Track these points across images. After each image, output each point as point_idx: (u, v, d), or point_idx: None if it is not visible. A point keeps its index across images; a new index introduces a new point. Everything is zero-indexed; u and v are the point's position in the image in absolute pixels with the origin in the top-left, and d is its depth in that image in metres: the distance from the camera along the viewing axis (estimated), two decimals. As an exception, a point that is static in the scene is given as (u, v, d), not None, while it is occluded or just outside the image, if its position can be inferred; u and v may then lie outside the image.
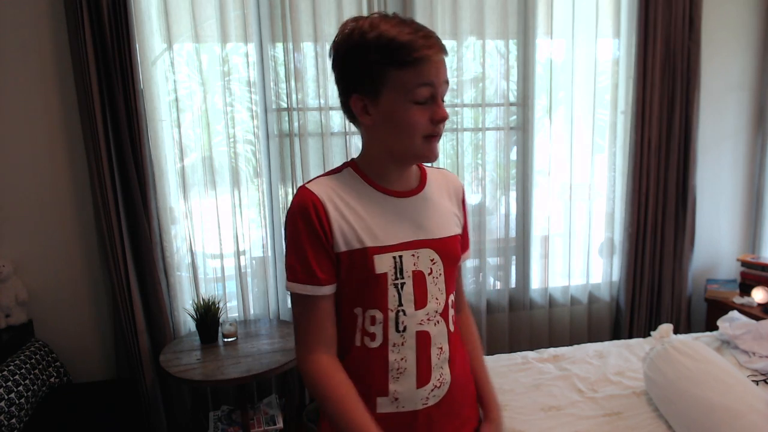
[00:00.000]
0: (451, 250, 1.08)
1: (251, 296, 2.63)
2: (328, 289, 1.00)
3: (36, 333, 2.38)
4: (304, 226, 0.98)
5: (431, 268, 1.04)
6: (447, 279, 1.07)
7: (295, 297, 1.01)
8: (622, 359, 2.33)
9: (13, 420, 1.91)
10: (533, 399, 2.05)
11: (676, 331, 2.34)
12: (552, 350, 2.45)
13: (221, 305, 2.40)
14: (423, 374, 1.03)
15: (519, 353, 2.44)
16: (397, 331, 1.01)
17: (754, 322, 2.38)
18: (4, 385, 1.93)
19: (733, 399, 1.70)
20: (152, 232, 2.36)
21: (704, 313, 3.10)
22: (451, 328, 1.09)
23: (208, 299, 2.35)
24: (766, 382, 2.07)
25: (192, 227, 2.48)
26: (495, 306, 2.87)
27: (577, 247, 2.94)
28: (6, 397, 1.91)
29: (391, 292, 1.01)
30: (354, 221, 0.99)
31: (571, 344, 2.68)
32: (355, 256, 0.99)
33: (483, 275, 2.83)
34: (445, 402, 1.06)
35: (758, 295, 2.83)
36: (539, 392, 2.10)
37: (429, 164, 1.16)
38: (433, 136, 1.00)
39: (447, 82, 0.99)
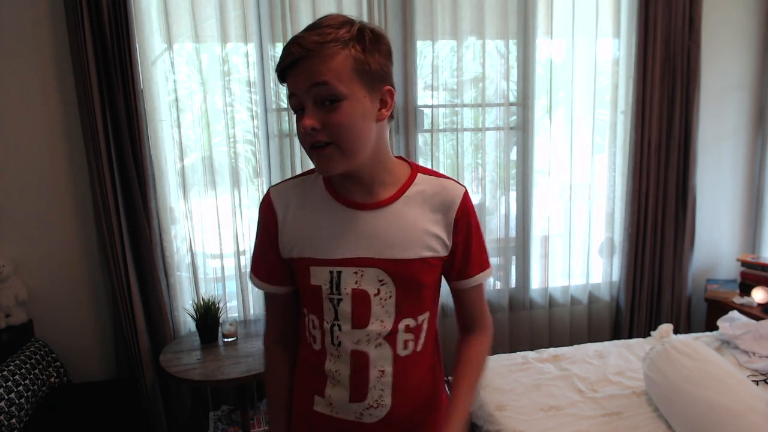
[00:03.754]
0: (407, 273, 0.97)
1: (251, 296, 2.63)
2: (274, 289, 1.07)
3: (36, 333, 2.38)
4: (260, 228, 1.05)
5: (379, 289, 0.96)
6: (401, 302, 0.97)
7: (265, 298, 1.12)
8: (622, 359, 2.33)
9: (13, 420, 1.91)
10: (533, 399, 2.05)
11: (676, 331, 2.34)
12: (552, 350, 2.45)
13: (221, 305, 2.40)
14: (357, 391, 1.00)
15: (519, 353, 2.44)
16: (333, 344, 1.00)
17: (754, 322, 2.38)
18: (4, 385, 1.93)
19: (733, 399, 1.70)
20: (152, 232, 2.35)
21: (704, 313, 3.10)
22: (402, 352, 1.00)
23: (208, 299, 2.35)
24: (766, 382, 2.07)
25: (192, 227, 2.48)
26: (495, 306, 2.87)
27: (577, 247, 2.94)
28: (6, 397, 1.91)
29: (327, 305, 0.98)
30: (300, 230, 1.00)
31: (571, 344, 2.68)
32: (295, 264, 1.02)
33: (483, 275, 2.82)
34: (384, 424, 1.01)
35: (758, 295, 2.83)
36: (539, 392, 2.10)
37: (428, 170, 1.05)
38: (314, 148, 0.90)
39: (319, 84, 0.86)
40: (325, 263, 0.97)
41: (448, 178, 1.04)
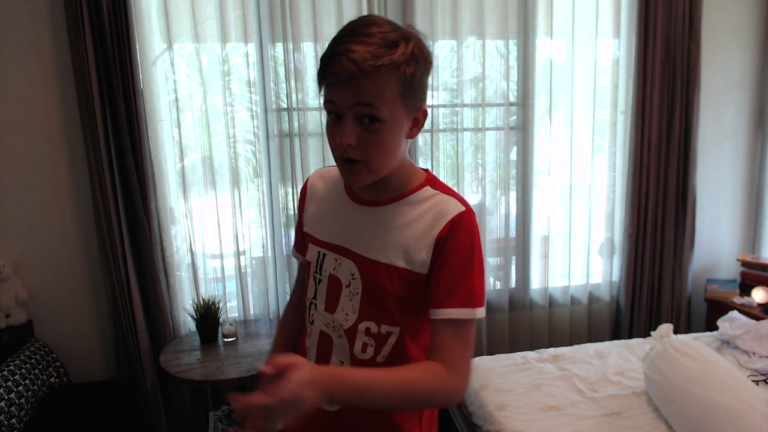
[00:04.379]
0: (374, 275, 0.96)
1: (251, 296, 2.63)
2: (301, 258, 1.15)
3: (36, 333, 2.38)
4: (300, 203, 1.17)
5: (350, 282, 0.99)
6: (365, 302, 0.97)
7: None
8: (622, 359, 2.33)
9: (13, 420, 1.91)
10: (533, 399, 2.05)
11: (676, 331, 2.34)
12: (552, 350, 2.45)
13: (221, 305, 2.39)
14: None
15: (519, 353, 2.44)
16: (309, 321, 1.07)
17: (754, 322, 2.38)
18: (4, 385, 1.93)
19: (733, 399, 1.70)
20: (152, 232, 2.35)
21: (704, 313, 3.10)
22: (359, 354, 0.98)
23: (208, 299, 2.35)
24: (766, 382, 2.07)
25: (192, 227, 2.48)
26: (495, 306, 2.87)
27: (577, 247, 2.94)
28: (6, 397, 1.91)
29: (311, 282, 1.06)
30: (316, 211, 1.10)
31: (571, 344, 2.68)
32: (305, 237, 1.11)
33: (483, 275, 2.82)
34: (339, 416, 1.00)
35: (758, 295, 2.83)
36: (539, 392, 2.10)
37: (443, 185, 1.01)
38: (344, 161, 0.90)
39: (365, 104, 0.85)
40: (317, 243, 1.06)
41: (455, 196, 0.97)
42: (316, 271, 1.05)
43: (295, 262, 2.58)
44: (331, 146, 0.94)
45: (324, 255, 1.03)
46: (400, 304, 0.97)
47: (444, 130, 2.69)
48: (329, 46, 0.88)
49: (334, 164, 1.00)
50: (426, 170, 1.03)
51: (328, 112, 0.92)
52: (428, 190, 0.98)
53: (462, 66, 2.63)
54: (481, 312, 0.93)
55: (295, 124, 2.48)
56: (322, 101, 0.93)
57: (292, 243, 1.23)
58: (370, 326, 0.98)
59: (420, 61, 0.88)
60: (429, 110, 2.74)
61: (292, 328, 1.22)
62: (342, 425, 1.03)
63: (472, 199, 2.79)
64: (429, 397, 0.90)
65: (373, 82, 0.84)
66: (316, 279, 1.04)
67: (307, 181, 1.15)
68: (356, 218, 1.01)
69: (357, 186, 0.99)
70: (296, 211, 1.20)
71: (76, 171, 2.38)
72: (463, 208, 0.94)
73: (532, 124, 2.75)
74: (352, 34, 0.86)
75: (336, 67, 0.85)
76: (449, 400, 0.93)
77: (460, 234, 0.92)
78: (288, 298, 1.26)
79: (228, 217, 2.52)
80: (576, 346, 2.49)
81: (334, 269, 1.01)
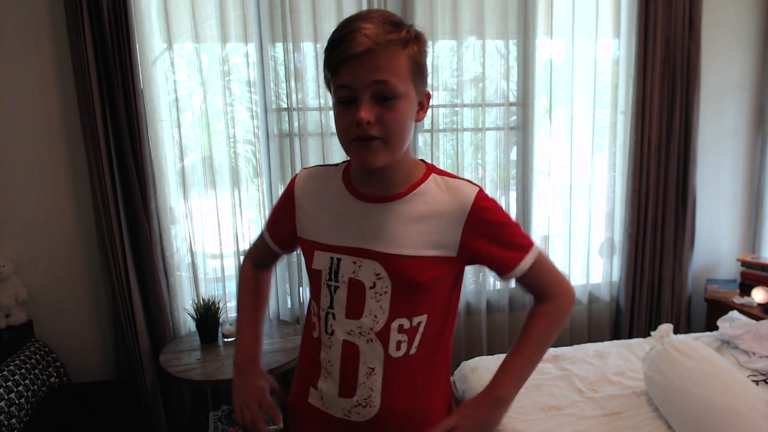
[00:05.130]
0: (403, 270, 0.96)
1: (251, 296, 2.62)
2: (273, 246, 1.18)
3: (36, 333, 2.38)
4: (280, 203, 1.13)
5: (375, 282, 0.96)
6: (396, 299, 0.96)
7: (260, 233, 1.21)
8: (622, 359, 2.33)
9: (13, 420, 1.91)
10: (533, 399, 2.05)
11: (676, 331, 2.34)
12: (552, 350, 2.45)
13: (221, 305, 2.40)
14: (347, 386, 0.99)
15: (519, 353, 2.44)
16: (326, 332, 1.01)
17: (754, 322, 2.38)
18: (4, 385, 1.93)
19: (733, 399, 1.70)
20: (152, 232, 2.35)
21: (704, 313, 3.10)
22: (394, 353, 0.98)
23: (208, 299, 2.35)
24: (766, 382, 2.07)
25: (192, 227, 2.48)
26: (495, 306, 2.87)
27: (577, 247, 2.94)
28: (6, 397, 1.91)
29: (324, 291, 1.01)
30: (314, 214, 1.06)
31: (571, 344, 2.68)
32: (303, 245, 1.08)
33: (483, 275, 2.83)
34: (372, 425, 0.99)
35: (758, 295, 2.83)
36: (539, 392, 2.10)
37: (444, 171, 1.04)
38: (362, 140, 0.89)
39: (380, 82, 0.87)
40: (328, 249, 1.00)
41: (462, 179, 1.02)
42: (330, 279, 0.99)
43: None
44: (343, 131, 0.92)
45: (339, 260, 0.98)
46: (429, 291, 0.99)
47: (444, 130, 2.69)
48: (335, 32, 0.90)
49: (320, 164, 1.09)
50: (422, 160, 1.05)
51: (339, 101, 0.91)
52: (435, 178, 1.01)
53: (462, 66, 2.63)
54: (537, 247, 1.02)
55: (295, 124, 2.48)
56: (332, 91, 0.92)
57: (267, 224, 1.20)
58: (402, 323, 0.97)
59: (422, 42, 0.93)
60: (429, 110, 2.75)
61: (258, 291, 1.23)
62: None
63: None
64: (555, 330, 1.07)
65: (387, 58, 0.87)
66: (331, 287, 0.99)
67: (293, 182, 1.10)
68: (370, 217, 0.98)
69: (374, 167, 0.93)
70: (280, 207, 1.14)
71: (76, 171, 2.38)
72: (475, 188, 1.00)
73: (532, 124, 2.75)
74: (356, 18, 0.89)
75: (351, 43, 0.86)
76: (568, 314, 1.09)
77: (487, 206, 0.99)
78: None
79: (228, 217, 2.52)
80: (576, 346, 2.49)
81: (353, 273, 0.97)
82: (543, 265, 1.03)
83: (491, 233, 0.99)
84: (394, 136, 0.90)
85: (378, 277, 0.96)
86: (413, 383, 1.01)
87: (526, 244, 1.01)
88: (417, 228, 0.97)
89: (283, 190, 2.53)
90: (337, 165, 1.09)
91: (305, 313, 1.18)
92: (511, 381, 1.03)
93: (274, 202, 2.53)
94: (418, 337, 0.99)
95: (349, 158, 1.03)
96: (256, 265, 1.23)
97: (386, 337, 0.97)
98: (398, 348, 0.98)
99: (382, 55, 0.87)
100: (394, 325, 0.97)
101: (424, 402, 1.03)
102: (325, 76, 0.95)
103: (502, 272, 1.02)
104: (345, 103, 0.90)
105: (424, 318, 0.99)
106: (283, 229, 1.13)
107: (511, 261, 1.00)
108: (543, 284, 1.05)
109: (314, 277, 1.03)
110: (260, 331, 1.21)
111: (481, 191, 1.00)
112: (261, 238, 1.20)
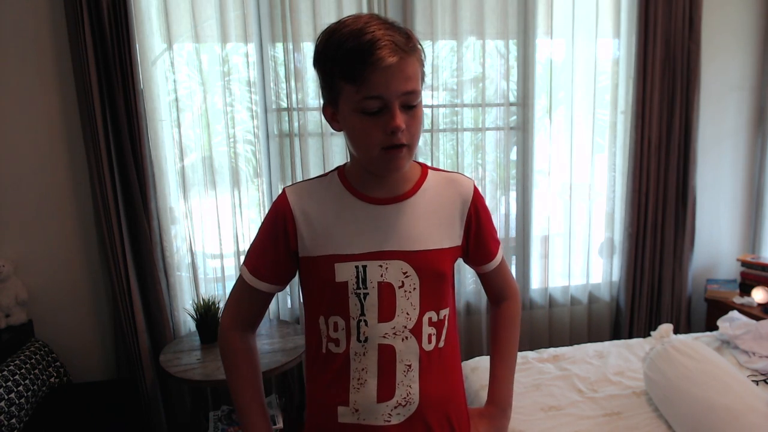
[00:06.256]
0: (429, 264, 1.00)
1: (251, 296, 2.62)
2: (266, 287, 1.06)
3: (36, 333, 2.38)
4: (270, 229, 1.04)
5: (403, 281, 0.99)
6: (424, 294, 1.00)
7: (240, 276, 1.08)
8: (622, 359, 2.33)
9: (13, 420, 1.91)
10: (533, 399, 2.05)
11: (676, 331, 2.34)
12: (552, 350, 2.45)
13: (221, 305, 2.40)
14: (385, 389, 0.99)
15: (519, 353, 2.43)
16: (359, 340, 0.99)
17: (754, 322, 2.38)
18: (4, 385, 1.93)
19: (733, 399, 1.70)
20: (152, 232, 2.35)
21: (704, 313, 3.10)
22: (427, 346, 1.01)
23: (208, 299, 2.35)
24: (766, 382, 2.07)
25: (192, 227, 2.48)
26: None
27: (577, 247, 2.94)
28: (6, 397, 1.91)
29: (353, 300, 0.99)
30: (321, 229, 1.00)
31: (571, 344, 2.68)
32: (318, 262, 1.00)
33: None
34: (412, 422, 1.00)
35: (758, 295, 2.83)
36: (539, 392, 2.10)
37: (435, 167, 1.10)
38: (393, 147, 0.91)
39: (409, 93, 0.89)
40: (351, 258, 0.99)
41: (455, 172, 1.11)
42: (358, 287, 0.98)
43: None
44: (373, 140, 0.91)
45: (365, 267, 0.98)
46: (447, 282, 1.05)
47: (444, 130, 2.69)
48: (349, 39, 0.87)
49: (297, 183, 1.06)
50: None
51: (367, 111, 0.89)
52: (433, 173, 1.07)
53: (462, 66, 2.63)
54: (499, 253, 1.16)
55: (295, 124, 2.48)
56: (356, 100, 0.89)
57: (247, 264, 1.06)
58: (431, 316, 1.01)
59: (422, 47, 0.95)
60: (429, 110, 2.75)
61: (255, 356, 1.10)
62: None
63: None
64: (517, 326, 1.20)
65: (411, 66, 0.90)
66: (359, 295, 0.98)
67: (282, 203, 1.03)
68: (386, 218, 1.00)
69: (400, 173, 0.98)
70: (271, 235, 1.04)
71: (76, 171, 2.38)
72: (471, 181, 1.09)
73: (532, 124, 2.75)
74: (367, 24, 0.88)
75: (382, 52, 0.86)
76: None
77: (481, 199, 1.09)
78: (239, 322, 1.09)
79: (228, 217, 2.52)
80: (576, 346, 2.49)
81: (381, 276, 0.98)
82: (504, 260, 1.17)
83: (483, 222, 1.09)
84: (416, 141, 0.95)
85: (405, 275, 0.99)
86: (444, 374, 1.05)
87: (497, 238, 1.15)
88: (430, 222, 1.02)
89: (282, 192, 2.55)
90: (324, 176, 1.07)
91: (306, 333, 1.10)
92: (509, 386, 1.15)
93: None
94: (444, 330, 1.04)
95: (337, 167, 1.06)
96: (244, 327, 1.09)
97: (419, 332, 1.00)
98: (429, 342, 1.02)
99: (408, 63, 0.89)
100: (425, 319, 1.01)
101: (454, 392, 1.08)
102: (329, 83, 0.93)
103: (485, 260, 1.13)
104: (372, 113, 0.90)
105: (447, 311, 1.05)
106: (277, 258, 1.03)
107: (495, 249, 1.13)
108: (506, 280, 1.19)
109: (337, 289, 0.99)
110: (267, 411, 1.10)
111: (474, 183, 1.09)
112: (244, 289, 1.06)
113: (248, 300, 1.08)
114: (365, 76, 0.87)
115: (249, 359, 1.09)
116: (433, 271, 1.01)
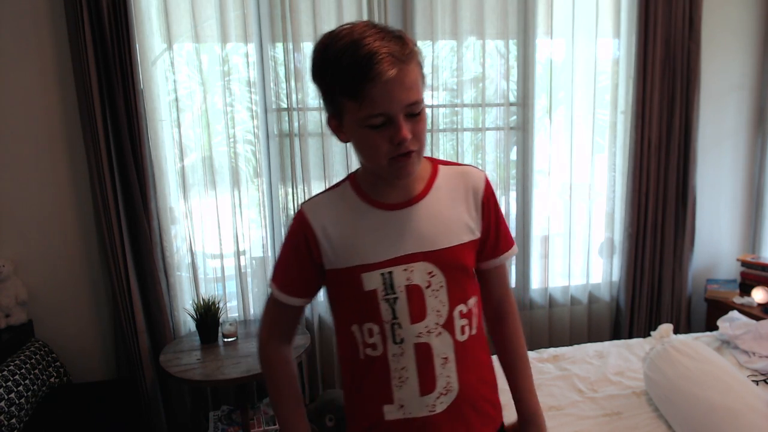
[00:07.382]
0: (452, 260, 1.02)
1: (251, 296, 2.63)
2: (297, 301, 1.09)
3: (36, 333, 2.38)
4: (294, 248, 1.06)
5: (429, 281, 1.00)
6: (452, 289, 1.02)
7: (270, 294, 1.11)
8: (622, 359, 2.33)
9: (13, 420, 1.91)
10: (533, 399, 2.05)
11: (676, 331, 2.34)
12: (552, 350, 2.45)
13: (221, 305, 2.40)
14: (426, 383, 1.02)
15: (519, 353, 2.44)
16: (395, 342, 1.01)
17: (754, 322, 2.38)
18: (4, 385, 1.93)
19: (733, 399, 1.70)
20: (152, 232, 2.36)
21: (704, 313, 3.10)
22: (460, 337, 1.03)
23: (208, 299, 2.35)
24: (766, 382, 2.07)
25: (192, 227, 2.48)
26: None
27: (577, 247, 2.94)
28: (6, 397, 1.91)
29: (384, 306, 1.00)
30: (343, 241, 1.02)
31: (571, 344, 2.68)
32: (344, 274, 1.02)
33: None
34: (455, 407, 1.04)
35: (758, 295, 2.83)
36: (539, 392, 2.07)
37: (445, 161, 1.10)
38: (401, 156, 0.92)
39: (412, 103, 0.90)
40: (376, 267, 1.00)
41: (465, 164, 1.11)
42: (386, 294, 1.00)
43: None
44: (380, 152, 0.92)
45: (390, 273, 1.00)
46: (471, 273, 1.07)
47: (444, 130, 2.69)
48: (346, 55, 0.86)
49: (312, 198, 1.08)
50: None
51: (375, 126, 0.90)
52: (443, 169, 1.07)
53: (462, 66, 2.63)
54: (515, 247, 1.15)
55: (295, 124, 2.48)
56: (360, 117, 0.89)
57: (276, 281, 1.09)
58: (461, 309, 1.03)
59: (417, 47, 0.95)
60: (429, 110, 2.75)
61: (292, 363, 1.13)
62: (456, 424, 1.05)
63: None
64: (523, 338, 1.21)
65: (410, 74, 0.89)
66: (389, 300, 1.00)
67: (301, 219, 1.04)
68: (404, 222, 1.01)
69: (411, 178, 0.99)
70: (294, 252, 1.06)
71: (76, 171, 2.38)
72: (482, 172, 1.09)
73: (532, 124, 2.75)
74: (362, 36, 0.87)
75: (380, 67, 0.85)
76: None
77: (493, 192, 1.09)
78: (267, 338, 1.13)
79: (228, 217, 2.52)
80: (576, 346, 2.49)
81: (407, 279, 1.00)
82: (506, 269, 1.18)
83: (496, 212, 1.09)
84: (423, 145, 0.96)
85: (431, 275, 1.00)
86: (479, 360, 1.09)
87: (512, 239, 1.15)
88: (447, 219, 1.03)
89: (282, 190, 2.55)
90: (336, 186, 1.08)
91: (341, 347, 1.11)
92: (536, 397, 1.20)
93: (274, 202, 2.57)
94: (474, 319, 1.06)
95: (347, 175, 1.08)
96: (280, 340, 1.12)
97: (451, 326, 1.02)
98: (462, 333, 1.04)
99: (407, 72, 0.89)
100: (456, 313, 1.02)
101: (488, 376, 1.12)
102: (330, 98, 0.94)
103: (494, 254, 1.11)
104: (377, 126, 0.90)
105: (474, 299, 1.07)
106: (303, 274, 1.06)
107: (504, 245, 1.12)
108: (506, 285, 1.18)
109: (367, 298, 1.01)
110: (307, 421, 1.13)
111: (485, 174, 1.10)
112: (276, 306, 1.10)
113: (280, 315, 1.12)
114: (366, 93, 0.87)
115: (287, 371, 1.12)
116: (457, 267, 1.03)
